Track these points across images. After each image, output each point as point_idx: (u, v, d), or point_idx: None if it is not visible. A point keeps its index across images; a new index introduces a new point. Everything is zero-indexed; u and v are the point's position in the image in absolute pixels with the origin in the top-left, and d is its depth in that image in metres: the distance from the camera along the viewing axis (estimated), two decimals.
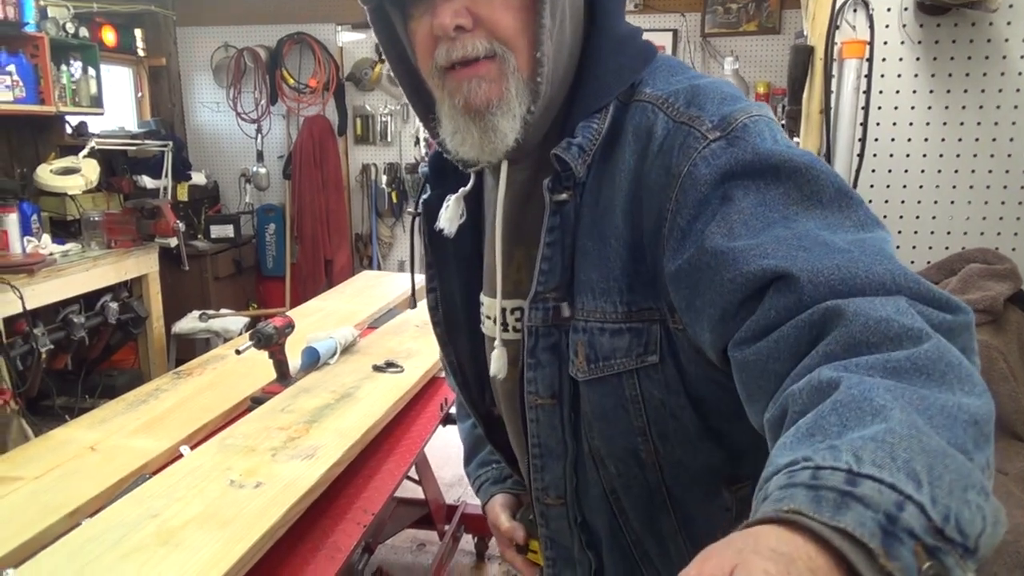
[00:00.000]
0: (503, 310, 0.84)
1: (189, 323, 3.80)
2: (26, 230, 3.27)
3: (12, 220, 3.16)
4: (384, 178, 5.08)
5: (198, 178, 4.79)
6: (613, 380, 0.75)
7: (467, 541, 2.64)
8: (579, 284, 0.76)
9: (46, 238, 3.35)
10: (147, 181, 4.26)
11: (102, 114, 4.04)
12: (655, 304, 0.72)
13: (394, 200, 5.09)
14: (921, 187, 1.91)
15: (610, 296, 0.73)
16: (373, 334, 2.33)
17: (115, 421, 1.63)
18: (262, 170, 5.13)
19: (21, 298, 2.85)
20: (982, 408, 0.46)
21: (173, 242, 3.72)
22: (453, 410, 1.82)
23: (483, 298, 0.89)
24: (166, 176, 4.23)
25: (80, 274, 3.30)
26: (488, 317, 0.88)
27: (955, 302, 0.55)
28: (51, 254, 3.24)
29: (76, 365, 3.66)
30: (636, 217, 0.71)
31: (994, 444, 0.47)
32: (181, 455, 1.48)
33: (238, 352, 1.85)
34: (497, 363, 0.85)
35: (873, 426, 0.43)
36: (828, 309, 0.54)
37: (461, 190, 0.85)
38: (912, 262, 1.92)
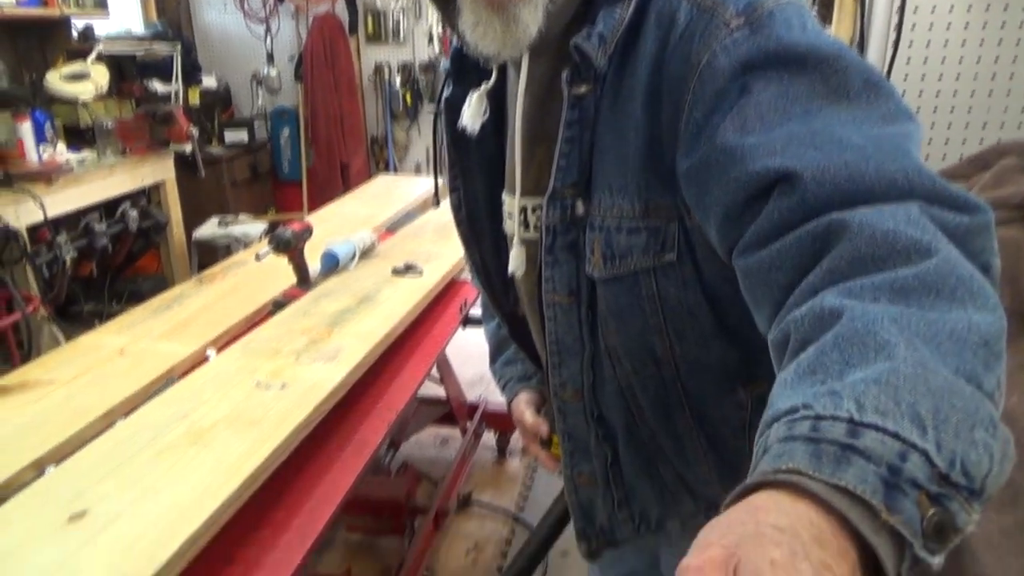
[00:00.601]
0: (523, 208, 0.83)
1: (209, 229, 3.82)
2: (40, 138, 3.25)
3: (26, 128, 3.13)
4: (398, 78, 4.94)
5: (209, 81, 4.68)
6: (629, 279, 0.75)
7: (489, 437, 2.73)
8: (596, 181, 0.74)
9: (61, 146, 3.33)
10: (158, 86, 4.18)
11: (107, 17, 3.93)
12: (672, 201, 0.70)
13: (408, 103, 4.97)
14: (958, 77, 1.82)
15: (627, 193, 0.72)
16: (392, 238, 2.32)
17: (142, 326, 1.66)
18: (273, 72, 5.01)
19: (42, 207, 2.87)
20: (993, 325, 0.45)
21: (187, 148, 3.69)
22: (473, 311, 1.84)
23: (505, 196, 0.88)
24: (176, 80, 4.14)
25: (97, 182, 3.31)
26: (509, 215, 0.87)
27: (973, 201, 0.52)
28: (67, 162, 3.24)
29: (101, 272, 3.72)
30: (655, 109, 0.68)
31: (1018, 341, 0.46)
32: (207, 358, 1.52)
33: (258, 258, 1.86)
34: (515, 261, 0.85)
35: (876, 364, 0.41)
36: (832, 221, 0.51)
37: (484, 86, 0.82)
38: (944, 156, 1.86)
